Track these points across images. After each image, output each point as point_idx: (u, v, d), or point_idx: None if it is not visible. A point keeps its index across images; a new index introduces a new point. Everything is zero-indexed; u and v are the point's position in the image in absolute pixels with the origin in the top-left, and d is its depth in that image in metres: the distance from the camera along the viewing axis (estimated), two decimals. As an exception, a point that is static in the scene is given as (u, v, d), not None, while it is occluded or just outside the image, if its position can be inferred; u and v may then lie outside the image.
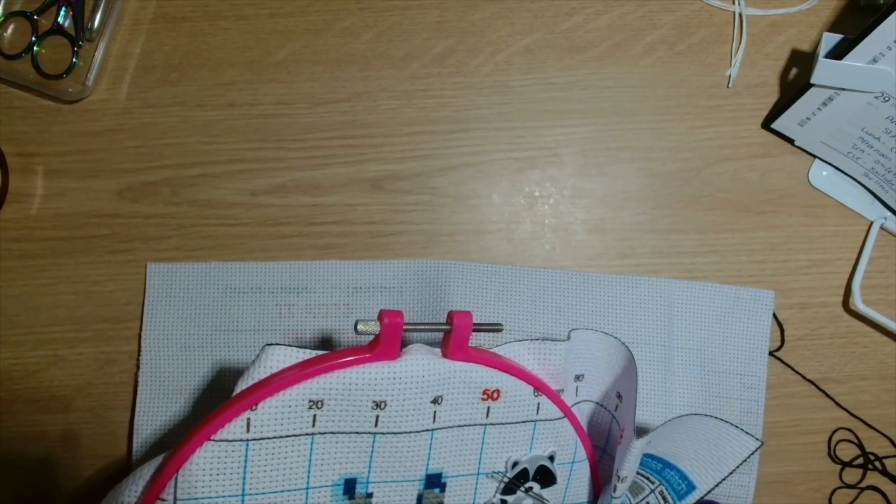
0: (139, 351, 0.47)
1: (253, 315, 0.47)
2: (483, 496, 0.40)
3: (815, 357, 0.50)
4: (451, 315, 0.35)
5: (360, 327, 0.33)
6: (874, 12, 0.44)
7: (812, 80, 0.46)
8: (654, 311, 0.49)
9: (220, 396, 0.47)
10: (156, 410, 0.46)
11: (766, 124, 0.50)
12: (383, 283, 0.48)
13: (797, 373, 0.50)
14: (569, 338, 0.41)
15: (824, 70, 0.45)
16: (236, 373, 0.46)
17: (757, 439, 0.47)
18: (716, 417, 0.46)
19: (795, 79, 0.51)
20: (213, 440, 0.32)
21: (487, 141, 0.50)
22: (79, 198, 0.48)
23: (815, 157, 0.51)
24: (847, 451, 0.50)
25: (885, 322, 0.49)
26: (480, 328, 0.36)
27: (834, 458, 0.50)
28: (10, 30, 0.48)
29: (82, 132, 0.48)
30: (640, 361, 0.48)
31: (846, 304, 0.50)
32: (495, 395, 0.38)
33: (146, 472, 0.34)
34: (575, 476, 0.42)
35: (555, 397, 0.40)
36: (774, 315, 0.50)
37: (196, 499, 0.33)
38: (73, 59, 0.47)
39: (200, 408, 0.47)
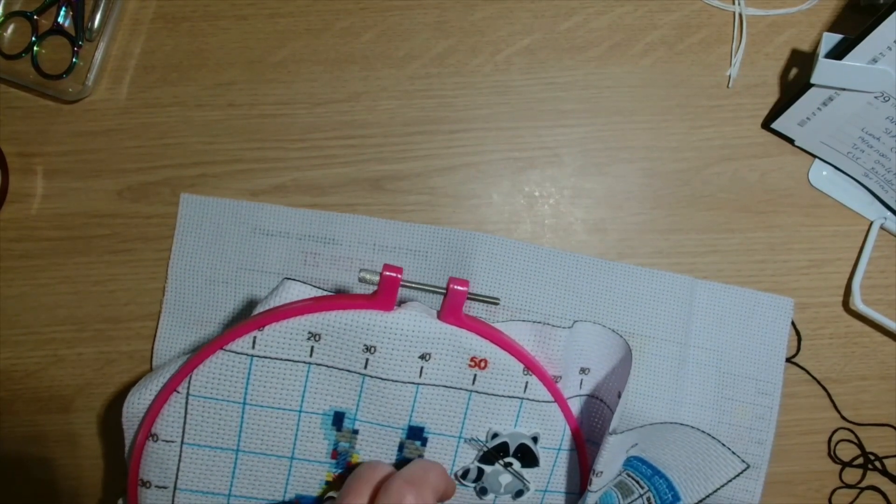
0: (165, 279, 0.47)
1: (278, 258, 0.48)
2: (462, 460, 0.41)
3: (815, 357, 0.50)
4: (449, 281, 0.37)
5: (361, 275, 0.36)
6: (874, 12, 0.44)
7: (812, 80, 0.46)
8: (675, 307, 0.49)
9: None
10: (176, 339, 0.47)
11: (766, 124, 0.50)
12: (409, 245, 0.48)
13: (813, 377, 0.50)
14: (572, 326, 0.42)
15: (824, 70, 0.45)
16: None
17: (743, 461, 0.46)
18: (704, 432, 0.45)
19: (795, 79, 0.51)
20: (224, 349, 0.37)
21: (487, 141, 0.50)
22: (79, 198, 0.48)
23: (815, 157, 0.51)
24: (847, 451, 0.50)
25: (885, 322, 0.49)
26: (475, 298, 0.38)
27: (834, 458, 0.50)
28: (10, 30, 0.48)
29: (82, 132, 0.48)
30: (653, 356, 0.48)
31: (846, 304, 0.50)
32: (483, 363, 0.39)
33: (172, 367, 0.39)
34: (560, 464, 0.42)
35: (546, 380, 0.41)
36: (793, 322, 0.50)
37: (204, 397, 0.38)
38: (73, 59, 0.47)
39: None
